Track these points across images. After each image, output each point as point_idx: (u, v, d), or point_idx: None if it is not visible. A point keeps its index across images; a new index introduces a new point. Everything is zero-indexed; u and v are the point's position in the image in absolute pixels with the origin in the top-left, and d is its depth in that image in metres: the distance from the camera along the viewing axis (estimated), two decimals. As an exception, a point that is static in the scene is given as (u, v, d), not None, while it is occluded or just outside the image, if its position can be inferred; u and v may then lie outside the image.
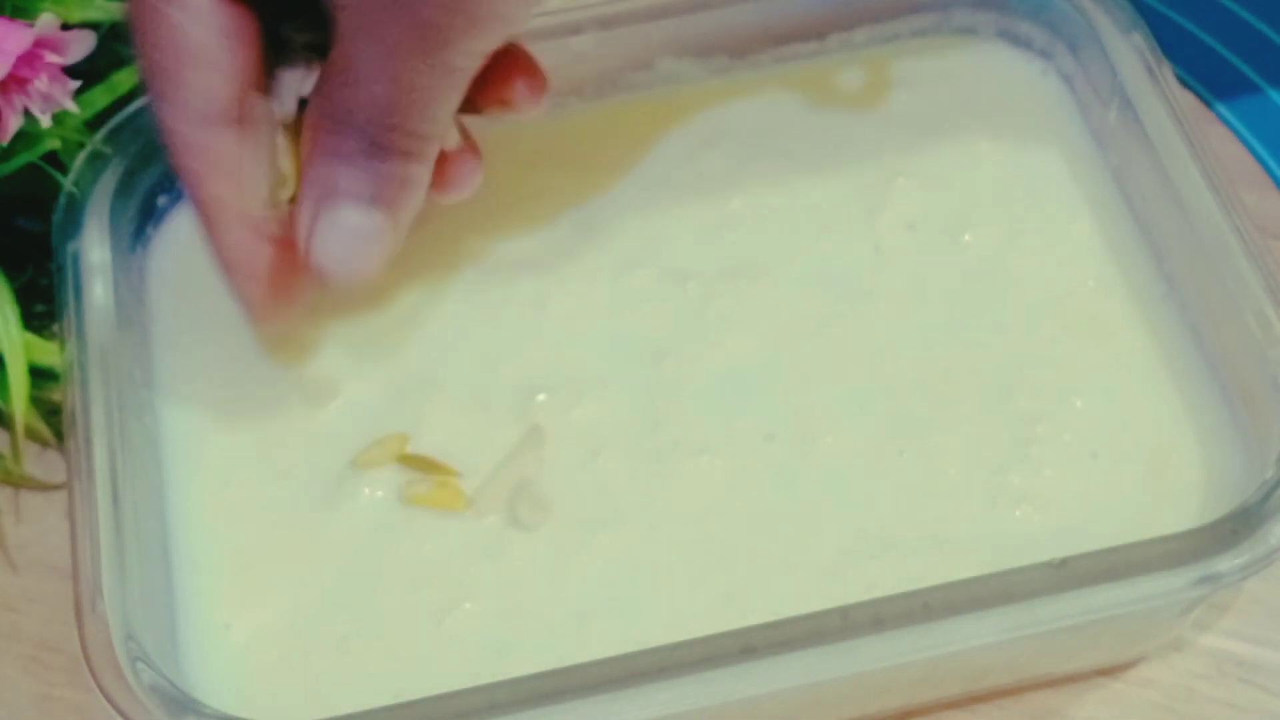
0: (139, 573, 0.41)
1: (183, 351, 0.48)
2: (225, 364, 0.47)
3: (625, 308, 0.48)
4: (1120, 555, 0.39)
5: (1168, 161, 0.46)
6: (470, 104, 0.42)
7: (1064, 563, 0.39)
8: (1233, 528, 0.40)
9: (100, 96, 0.48)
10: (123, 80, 0.49)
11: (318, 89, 0.40)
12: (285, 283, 0.43)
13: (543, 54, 0.45)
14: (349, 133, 0.39)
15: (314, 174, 0.40)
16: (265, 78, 0.42)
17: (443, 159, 0.42)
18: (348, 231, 0.40)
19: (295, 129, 0.43)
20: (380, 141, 0.39)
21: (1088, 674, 0.45)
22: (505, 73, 0.43)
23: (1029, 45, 0.52)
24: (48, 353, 0.47)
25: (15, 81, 0.45)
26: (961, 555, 0.43)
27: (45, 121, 0.46)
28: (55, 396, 0.48)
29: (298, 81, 0.43)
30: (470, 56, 0.38)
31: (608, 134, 0.51)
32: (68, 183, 0.47)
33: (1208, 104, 0.56)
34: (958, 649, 0.39)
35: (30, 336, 0.47)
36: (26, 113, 0.45)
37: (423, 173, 0.41)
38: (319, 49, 0.41)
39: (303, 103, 0.42)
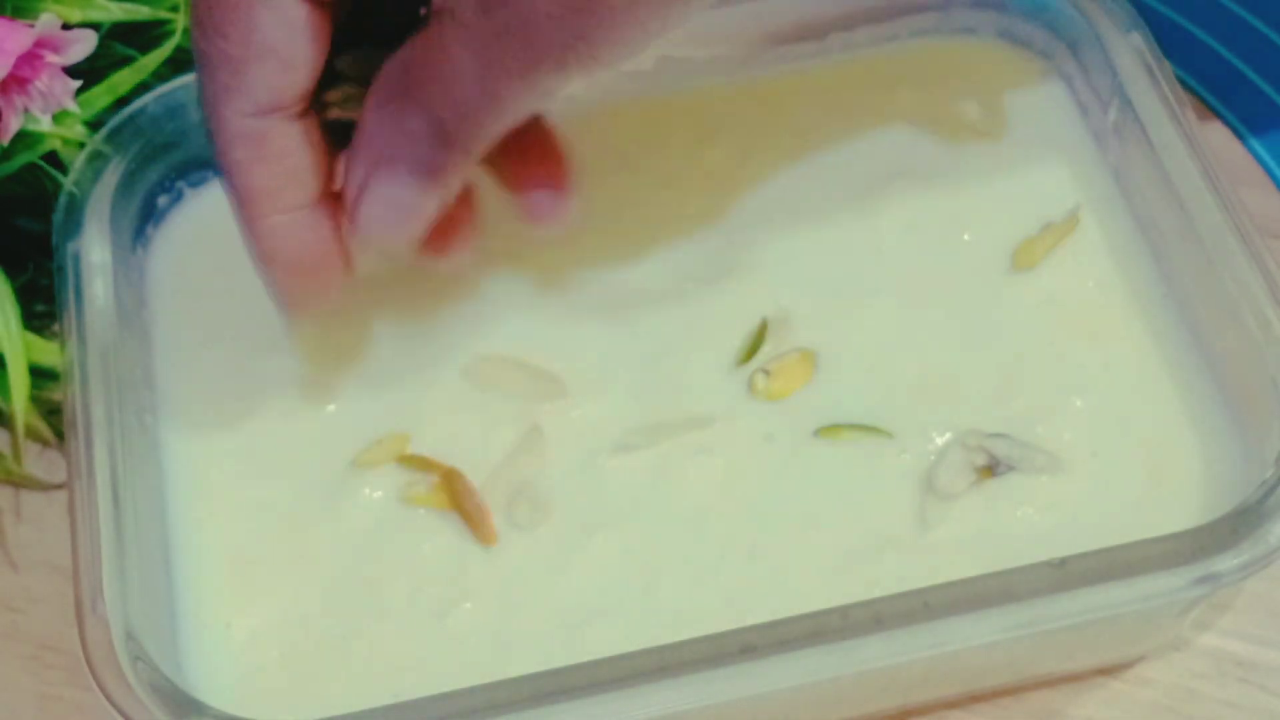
0: (139, 573, 0.41)
1: (183, 351, 0.48)
2: (226, 364, 0.47)
3: (625, 306, 0.48)
4: (1120, 555, 0.39)
5: (1168, 161, 0.46)
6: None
7: (1064, 563, 0.39)
8: (1232, 527, 0.40)
9: (100, 96, 0.48)
10: (123, 80, 0.49)
11: (400, 63, 0.40)
12: (320, 275, 0.43)
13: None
14: (420, 113, 0.39)
15: (375, 137, 0.40)
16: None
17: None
18: (396, 201, 0.40)
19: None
20: (450, 131, 0.39)
21: (1088, 674, 0.45)
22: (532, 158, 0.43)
23: (1029, 45, 0.52)
24: (48, 353, 0.47)
25: (15, 81, 0.45)
26: (961, 555, 0.43)
27: (45, 121, 0.46)
28: (55, 396, 0.48)
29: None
30: (567, 83, 0.38)
31: (608, 133, 0.51)
32: (68, 183, 0.47)
33: (1208, 104, 0.56)
34: (958, 649, 0.39)
35: (30, 336, 0.47)
36: (26, 113, 0.45)
37: (468, 171, 0.41)
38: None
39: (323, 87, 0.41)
